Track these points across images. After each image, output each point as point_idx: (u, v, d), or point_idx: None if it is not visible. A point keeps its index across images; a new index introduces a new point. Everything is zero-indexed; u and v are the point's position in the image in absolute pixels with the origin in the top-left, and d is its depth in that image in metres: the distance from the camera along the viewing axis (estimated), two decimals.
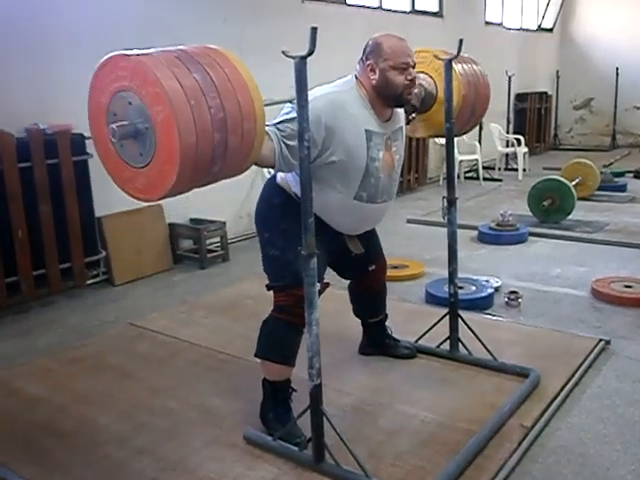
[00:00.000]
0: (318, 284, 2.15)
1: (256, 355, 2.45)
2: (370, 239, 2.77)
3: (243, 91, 1.81)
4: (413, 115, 2.78)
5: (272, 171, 2.40)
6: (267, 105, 1.98)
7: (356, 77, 2.42)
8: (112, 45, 4.50)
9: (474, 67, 3.04)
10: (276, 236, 2.40)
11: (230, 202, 5.40)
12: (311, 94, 2.08)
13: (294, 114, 2.01)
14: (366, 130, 2.35)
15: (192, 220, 5.07)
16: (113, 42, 4.40)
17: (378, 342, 3.05)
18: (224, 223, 4.99)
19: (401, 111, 2.60)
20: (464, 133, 3.43)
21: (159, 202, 4.78)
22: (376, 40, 2.38)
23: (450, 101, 2.75)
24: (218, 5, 5.25)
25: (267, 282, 2.45)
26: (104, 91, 1.79)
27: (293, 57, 1.91)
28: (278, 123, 2.16)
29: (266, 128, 2.03)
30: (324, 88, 2.37)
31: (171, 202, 4.82)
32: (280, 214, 2.40)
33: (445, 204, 2.86)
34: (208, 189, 5.78)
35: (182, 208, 5.00)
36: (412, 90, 2.42)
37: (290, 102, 2.17)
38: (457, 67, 2.86)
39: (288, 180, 2.41)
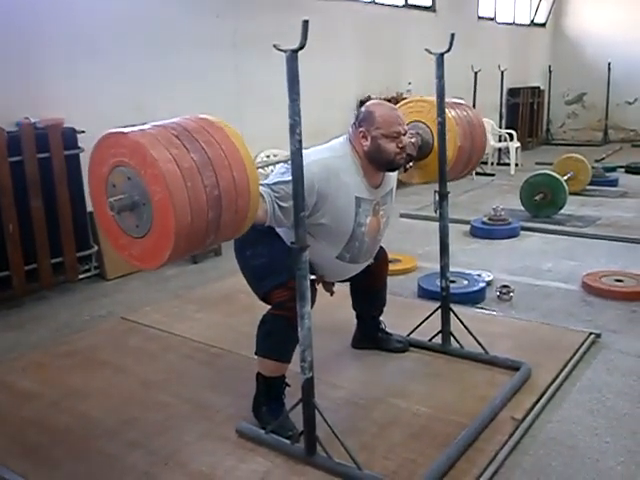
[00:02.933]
0: (312, 276, 2.17)
1: (257, 353, 2.43)
2: None
3: (239, 167, 1.86)
4: (410, 164, 2.81)
5: None
6: (261, 167, 1.99)
7: (350, 141, 2.47)
8: (102, 39, 4.51)
9: (470, 114, 3.06)
10: (259, 247, 2.44)
11: None
12: (306, 156, 2.05)
13: (289, 176, 2.04)
14: (356, 197, 2.41)
15: None
16: (103, 36, 4.43)
17: (371, 336, 3.07)
18: None
19: (393, 174, 2.65)
20: (457, 179, 3.42)
21: None
22: (368, 108, 2.45)
23: (442, 97, 2.75)
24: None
25: (257, 298, 2.47)
26: (104, 163, 1.85)
27: (284, 51, 1.91)
28: (273, 184, 2.20)
29: (260, 188, 2.05)
30: (320, 151, 2.42)
31: None
32: (260, 235, 2.39)
33: (437, 198, 2.87)
34: None
35: None
36: (403, 156, 2.46)
37: (285, 162, 2.20)
38: (452, 114, 2.88)
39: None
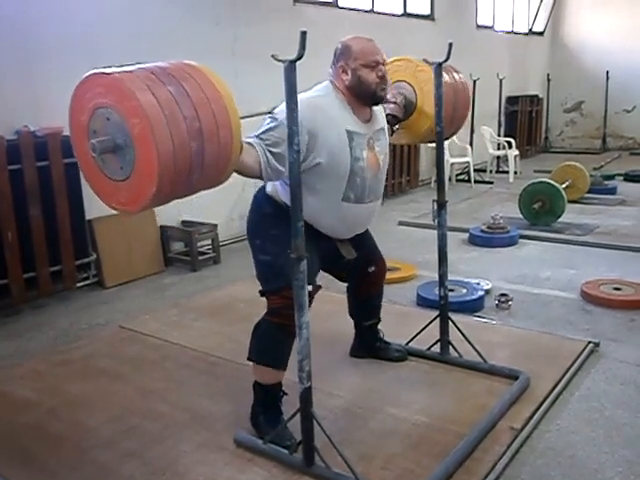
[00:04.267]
0: (310, 286, 2.16)
1: (249, 358, 2.45)
2: (365, 241, 2.79)
3: (217, 101, 1.85)
4: (397, 126, 2.81)
5: (260, 182, 2.44)
6: (244, 118, 1.99)
7: (331, 82, 2.46)
8: (102, 47, 4.52)
9: (454, 75, 3.05)
10: (267, 242, 2.43)
11: (222, 204, 5.39)
12: (302, 95, 2.10)
13: (276, 123, 2.11)
14: (347, 130, 2.37)
15: (184, 222, 5.06)
16: (103, 44, 4.44)
17: (369, 345, 3.06)
18: (215, 225, 4.99)
19: (381, 113, 2.63)
20: (446, 139, 3.42)
21: None
22: (345, 43, 2.44)
23: (440, 105, 2.76)
24: (210, 7, 5.25)
25: (260, 288, 2.46)
26: (83, 110, 1.84)
27: (282, 61, 1.92)
28: (261, 133, 2.19)
29: (249, 140, 2.11)
30: (302, 95, 2.36)
31: None
32: (271, 222, 2.44)
33: (435, 207, 2.88)
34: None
35: (174, 210, 4.99)
36: (384, 86, 2.45)
37: (270, 113, 2.22)
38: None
39: (277, 190, 2.44)
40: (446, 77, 2.90)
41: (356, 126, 2.42)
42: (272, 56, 1.93)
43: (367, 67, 2.38)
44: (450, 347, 2.95)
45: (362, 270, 2.83)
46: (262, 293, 2.45)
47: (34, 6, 4.07)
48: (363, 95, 2.41)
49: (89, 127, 1.82)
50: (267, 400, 2.44)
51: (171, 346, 3.32)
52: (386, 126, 2.66)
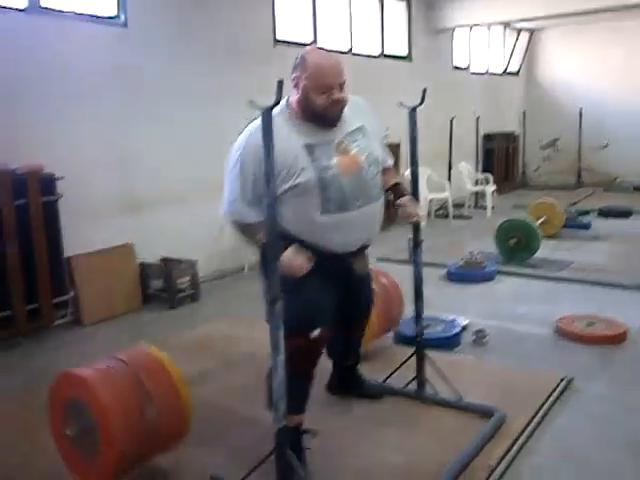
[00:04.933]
0: (316, 331, 2.23)
1: (267, 408, 2.28)
2: (364, 289, 2.77)
3: (170, 385, 2.35)
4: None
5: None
6: None
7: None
8: (87, 89, 4.57)
9: (382, 280, 3.53)
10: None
11: (202, 240, 5.42)
12: (245, 130, 2.24)
13: (234, 168, 2.31)
14: (305, 145, 2.28)
15: (163, 259, 5.07)
16: (88, 85, 4.50)
17: (346, 382, 3.06)
18: (195, 262, 5.00)
19: (360, 111, 2.51)
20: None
21: (130, 241, 4.81)
22: (303, 55, 2.30)
23: (414, 147, 2.84)
24: (191, 51, 5.35)
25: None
26: (58, 400, 2.34)
27: (260, 108, 1.98)
28: (233, 201, 2.32)
29: (230, 209, 2.36)
30: (255, 122, 2.28)
31: (143, 241, 4.88)
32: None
33: (411, 245, 2.93)
34: (180, 227, 5.78)
35: (154, 247, 5.01)
36: (337, 109, 2.32)
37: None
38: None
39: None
40: (375, 285, 3.02)
41: (315, 137, 2.31)
42: (250, 102, 1.99)
43: (317, 90, 2.25)
44: (427, 384, 2.98)
45: (352, 313, 2.78)
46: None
47: (16, 47, 4.13)
48: (310, 114, 2.30)
49: (64, 413, 2.29)
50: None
51: None
52: (371, 122, 2.54)
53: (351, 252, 2.48)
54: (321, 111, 2.29)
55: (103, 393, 2.16)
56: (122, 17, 4.75)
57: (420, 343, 2.95)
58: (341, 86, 2.31)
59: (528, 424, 2.75)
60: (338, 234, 2.36)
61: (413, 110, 2.83)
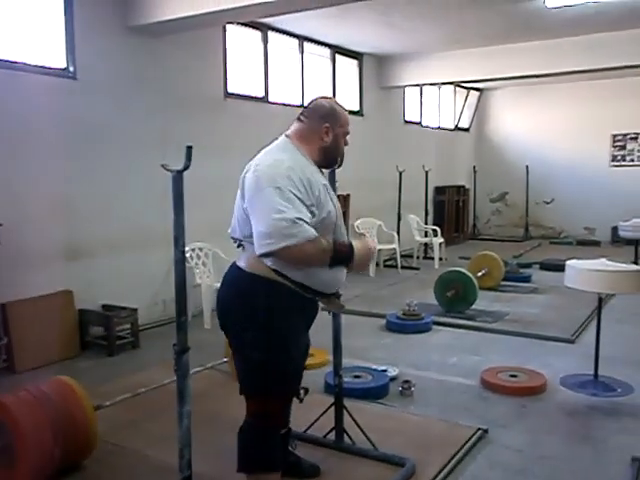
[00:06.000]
0: (303, 391, 2.27)
1: (240, 470, 2.30)
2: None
3: (79, 409, 2.86)
4: None
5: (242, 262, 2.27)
6: None
7: (288, 138, 2.38)
8: (25, 137, 4.63)
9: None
10: (261, 336, 2.20)
11: (145, 288, 5.47)
12: (268, 158, 2.21)
13: (286, 192, 2.10)
14: (323, 184, 2.35)
15: (104, 306, 5.09)
16: (26, 134, 4.58)
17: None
18: (135, 310, 5.04)
19: None
20: None
21: (69, 288, 4.83)
22: (331, 105, 2.44)
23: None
24: (142, 100, 5.50)
25: (241, 388, 2.29)
26: None
27: (171, 171, 2.12)
28: (297, 219, 2.08)
29: (297, 230, 2.06)
30: (272, 157, 2.28)
31: (83, 288, 4.90)
32: (265, 308, 2.20)
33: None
34: (122, 275, 5.79)
35: (94, 294, 5.04)
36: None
37: (274, 189, 2.12)
38: None
39: (267, 264, 2.19)
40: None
41: (324, 179, 2.43)
42: (162, 166, 2.14)
43: (344, 136, 2.45)
44: (345, 434, 3.06)
45: None
46: (245, 394, 2.29)
47: None
48: (331, 158, 2.46)
49: None
50: None
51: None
52: None
53: (333, 292, 2.49)
54: (341, 155, 2.48)
55: (20, 416, 2.62)
56: (71, 69, 4.88)
57: (339, 394, 3.05)
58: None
59: (438, 474, 2.85)
60: (341, 272, 2.41)
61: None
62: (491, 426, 3.39)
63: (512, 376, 4.08)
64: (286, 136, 2.40)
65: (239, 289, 2.27)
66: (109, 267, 5.18)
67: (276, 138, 2.42)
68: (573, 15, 6.65)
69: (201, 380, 3.85)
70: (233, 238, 2.33)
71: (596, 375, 3.95)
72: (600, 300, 3.90)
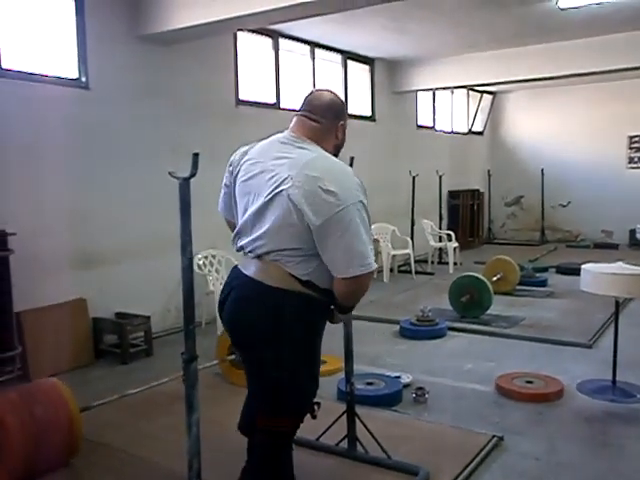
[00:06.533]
0: (316, 406, 2.17)
1: None
2: None
3: (64, 408, 2.96)
4: None
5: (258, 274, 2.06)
6: None
7: (314, 141, 2.18)
8: (39, 146, 4.67)
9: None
10: (286, 354, 2.05)
11: (158, 296, 5.49)
12: (341, 167, 2.08)
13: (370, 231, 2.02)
14: None
15: (117, 314, 5.11)
16: (40, 143, 4.62)
17: None
18: (148, 317, 5.04)
19: None
20: None
21: (84, 296, 4.86)
22: (341, 100, 2.30)
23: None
24: (155, 109, 5.52)
25: (263, 412, 2.13)
26: None
27: (177, 178, 2.11)
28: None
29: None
30: (334, 160, 2.16)
31: (96, 296, 4.92)
32: (300, 324, 2.06)
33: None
34: (135, 282, 5.80)
35: (108, 302, 5.06)
36: None
37: (357, 204, 2.00)
38: None
39: (299, 275, 2.04)
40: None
41: None
42: (169, 173, 2.13)
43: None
44: (358, 442, 3.03)
45: None
46: (266, 416, 2.12)
47: None
48: (338, 154, 2.27)
49: None
50: None
51: (87, 443, 3.29)
52: None
53: None
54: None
55: (4, 414, 2.75)
56: (83, 79, 4.92)
57: (351, 401, 3.02)
58: None
59: None
60: None
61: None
62: (507, 433, 3.33)
63: (528, 382, 4.01)
64: (309, 140, 2.16)
65: (266, 305, 2.04)
66: (122, 275, 5.20)
67: (301, 146, 2.15)
68: (586, 16, 6.59)
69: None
70: (241, 247, 2.14)
71: (614, 381, 3.88)
72: (617, 304, 3.83)
